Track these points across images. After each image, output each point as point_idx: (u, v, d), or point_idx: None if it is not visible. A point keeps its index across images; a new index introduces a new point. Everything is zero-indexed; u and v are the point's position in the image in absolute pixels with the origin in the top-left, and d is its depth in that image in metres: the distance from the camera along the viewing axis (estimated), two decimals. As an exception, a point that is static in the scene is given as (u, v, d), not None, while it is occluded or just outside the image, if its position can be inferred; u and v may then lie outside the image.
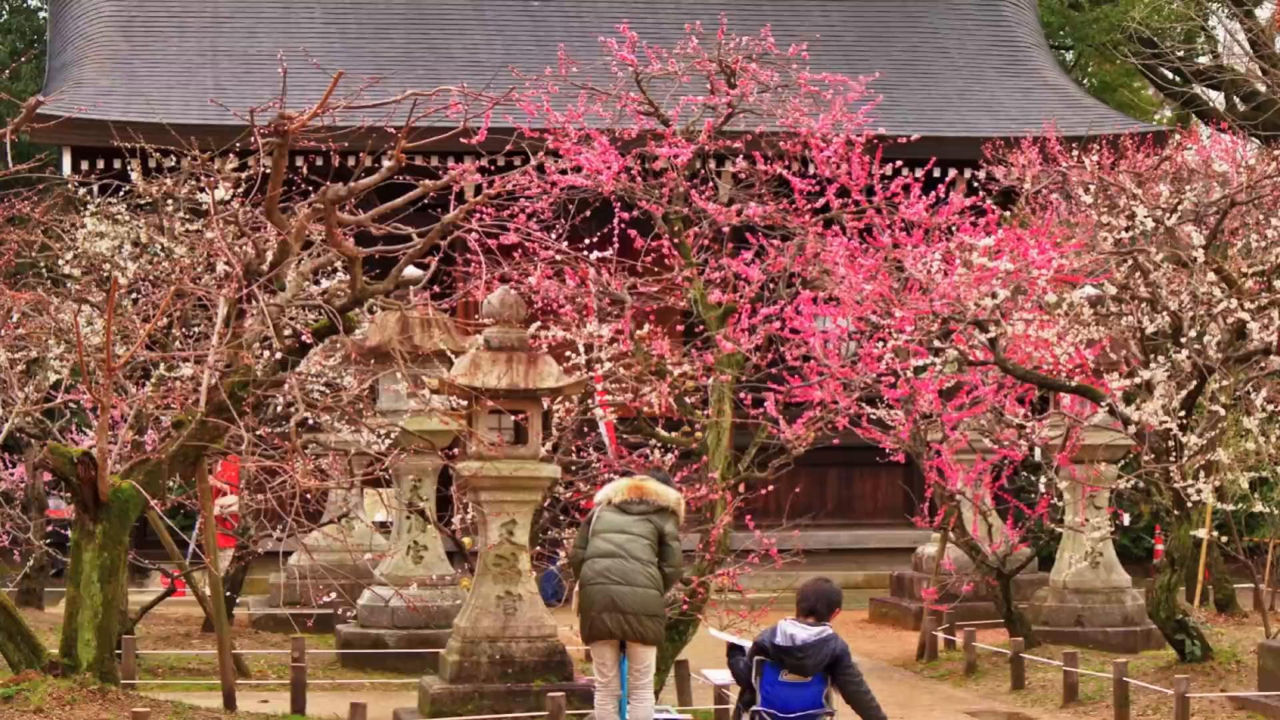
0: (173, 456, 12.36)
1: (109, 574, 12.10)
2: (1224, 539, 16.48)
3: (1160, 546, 17.88)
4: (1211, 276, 14.31)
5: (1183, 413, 14.46)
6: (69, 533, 15.13)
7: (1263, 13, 34.32)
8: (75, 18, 26.74)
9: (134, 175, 18.64)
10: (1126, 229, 14.59)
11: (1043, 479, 16.57)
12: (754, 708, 9.50)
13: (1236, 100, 34.85)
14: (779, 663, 9.37)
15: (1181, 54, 33.45)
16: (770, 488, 15.47)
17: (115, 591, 12.29)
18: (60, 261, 16.18)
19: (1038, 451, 16.65)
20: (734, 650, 9.82)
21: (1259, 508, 16.01)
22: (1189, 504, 14.72)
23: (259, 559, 18.59)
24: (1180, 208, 14.56)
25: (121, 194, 17.24)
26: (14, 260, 15.50)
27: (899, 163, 16.18)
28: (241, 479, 16.46)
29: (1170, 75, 34.89)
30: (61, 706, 11.40)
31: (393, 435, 15.48)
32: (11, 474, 18.51)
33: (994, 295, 14.11)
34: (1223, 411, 14.32)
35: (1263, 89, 32.72)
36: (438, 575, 16.77)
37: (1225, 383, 14.28)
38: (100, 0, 26.53)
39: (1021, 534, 17.42)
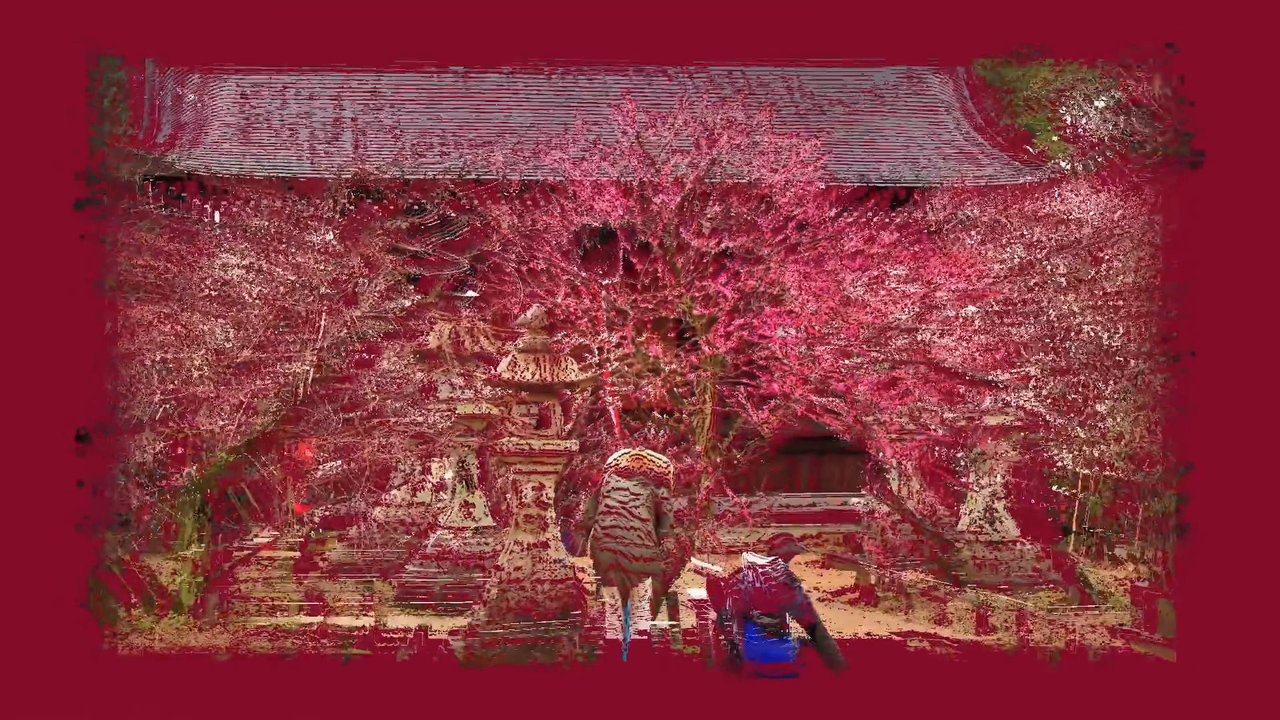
0: (266, 435, 12.82)
1: (207, 535, 12.38)
2: (1109, 503, 16.84)
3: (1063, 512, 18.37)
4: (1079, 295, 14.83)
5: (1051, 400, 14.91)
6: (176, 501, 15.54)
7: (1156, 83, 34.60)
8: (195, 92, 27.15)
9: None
10: (1013, 260, 15.12)
11: (960, 456, 17.13)
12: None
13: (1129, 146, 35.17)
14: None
15: (1079, 111, 33.89)
16: (753, 472, 15.77)
17: (212, 549, 12.58)
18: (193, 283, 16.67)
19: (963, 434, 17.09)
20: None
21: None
22: (1082, 475, 15.15)
23: (339, 519, 18.92)
24: (1052, 244, 15.06)
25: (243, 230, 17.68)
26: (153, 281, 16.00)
27: (842, 205, 16.51)
28: (325, 452, 16.91)
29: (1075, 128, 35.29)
30: (174, 635, 11.69)
31: (449, 418, 15.97)
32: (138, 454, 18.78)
33: (914, 309, 14.70)
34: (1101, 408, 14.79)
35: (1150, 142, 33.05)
36: (482, 528, 17.22)
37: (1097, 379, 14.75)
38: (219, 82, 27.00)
39: (947, 499, 17.86)
